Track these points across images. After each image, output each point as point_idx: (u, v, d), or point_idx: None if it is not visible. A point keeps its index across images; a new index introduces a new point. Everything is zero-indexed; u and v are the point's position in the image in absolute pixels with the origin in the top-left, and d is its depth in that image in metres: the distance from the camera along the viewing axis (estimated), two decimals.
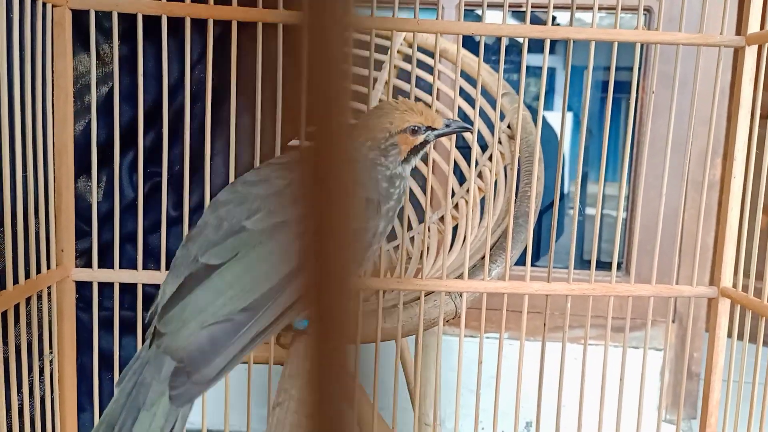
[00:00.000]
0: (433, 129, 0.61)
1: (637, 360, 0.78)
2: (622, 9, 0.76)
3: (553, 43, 0.78)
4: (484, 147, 1.24)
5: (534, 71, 2.12)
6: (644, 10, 1.36)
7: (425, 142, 0.60)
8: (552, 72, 2.82)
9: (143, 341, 0.54)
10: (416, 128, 0.59)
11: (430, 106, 0.67)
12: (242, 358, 0.48)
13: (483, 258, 0.94)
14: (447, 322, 0.78)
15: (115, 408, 0.47)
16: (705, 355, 0.80)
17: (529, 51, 0.75)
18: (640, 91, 1.37)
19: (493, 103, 0.93)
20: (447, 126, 0.62)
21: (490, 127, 1.14)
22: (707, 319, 1.08)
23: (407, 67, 1.34)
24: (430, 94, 1.25)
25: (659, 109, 0.92)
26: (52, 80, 0.70)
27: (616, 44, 0.75)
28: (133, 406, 0.47)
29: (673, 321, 1.38)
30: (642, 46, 0.77)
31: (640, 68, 1.49)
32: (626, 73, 0.87)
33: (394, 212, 0.57)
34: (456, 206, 1.17)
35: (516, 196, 1.07)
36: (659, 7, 0.74)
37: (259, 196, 0.52)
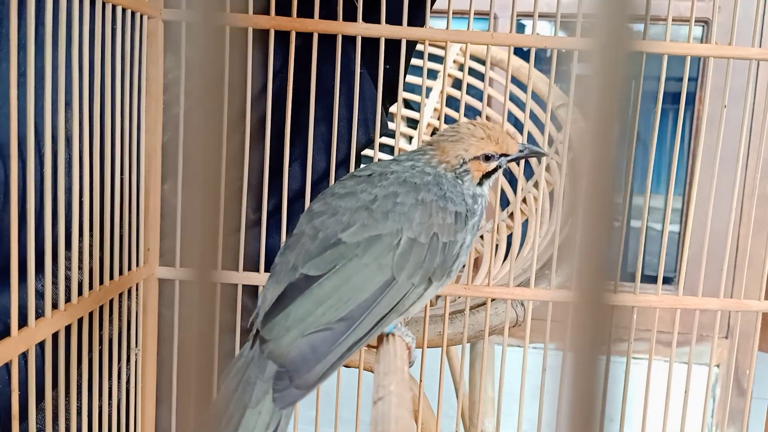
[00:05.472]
0: (507, 155, 0.61)
1: (694, 375, 0.78)
2: (676, 21, 0.76)
3: None
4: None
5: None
6: (702, 22, 1.36)
7: (498, 168, 0.61)
8: None
9: (243, 342, 0.57)
10: (490, 156, 0.59)
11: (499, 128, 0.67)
12: (341, 365, 0.51)
13: (541, 268, 0.96)
14: (512, 327, 0.80)
15: (220, 402, 0.50)
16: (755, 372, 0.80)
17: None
18: (696, 102, 1.37)
19: (544, 109, 0.94)
20: (521, 151, 0.62)
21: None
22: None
23: (459, 75, 1.36)
24: (480, 100, 1.27)
25: (712, 122, 0.92)
26: (144, 87, 0.73)
27: (666, 57, 0.75)
28: (239, 403, 0.49)
29: (726, 337, 1.37)
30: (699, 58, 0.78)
31: (697, 80, 1.49)
32: (676, 84, 0.88)
33: (477, 227, 0.59)
34: (511, 215, 1.19)
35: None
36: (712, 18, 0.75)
37: (348, 209, 0.54)
